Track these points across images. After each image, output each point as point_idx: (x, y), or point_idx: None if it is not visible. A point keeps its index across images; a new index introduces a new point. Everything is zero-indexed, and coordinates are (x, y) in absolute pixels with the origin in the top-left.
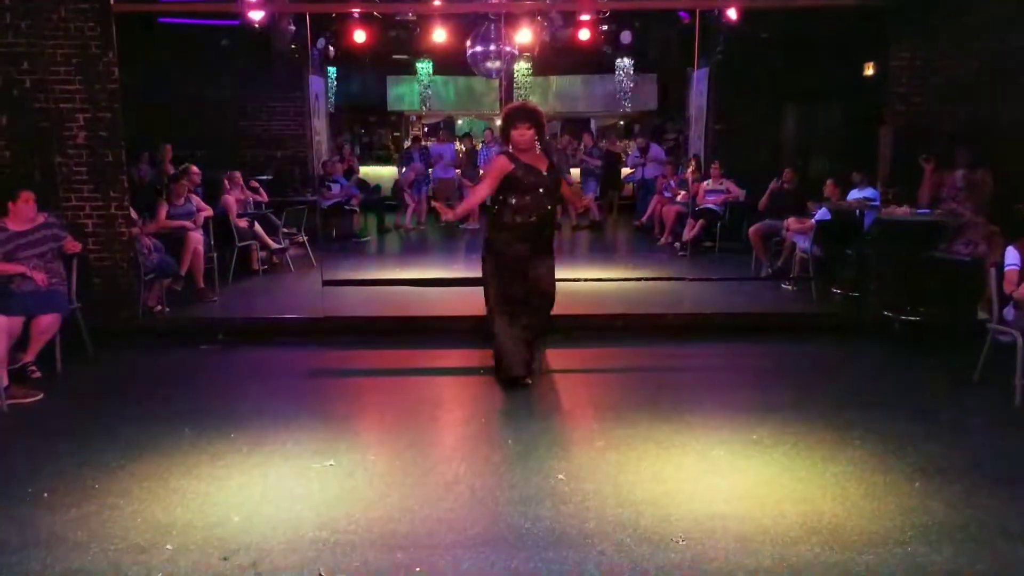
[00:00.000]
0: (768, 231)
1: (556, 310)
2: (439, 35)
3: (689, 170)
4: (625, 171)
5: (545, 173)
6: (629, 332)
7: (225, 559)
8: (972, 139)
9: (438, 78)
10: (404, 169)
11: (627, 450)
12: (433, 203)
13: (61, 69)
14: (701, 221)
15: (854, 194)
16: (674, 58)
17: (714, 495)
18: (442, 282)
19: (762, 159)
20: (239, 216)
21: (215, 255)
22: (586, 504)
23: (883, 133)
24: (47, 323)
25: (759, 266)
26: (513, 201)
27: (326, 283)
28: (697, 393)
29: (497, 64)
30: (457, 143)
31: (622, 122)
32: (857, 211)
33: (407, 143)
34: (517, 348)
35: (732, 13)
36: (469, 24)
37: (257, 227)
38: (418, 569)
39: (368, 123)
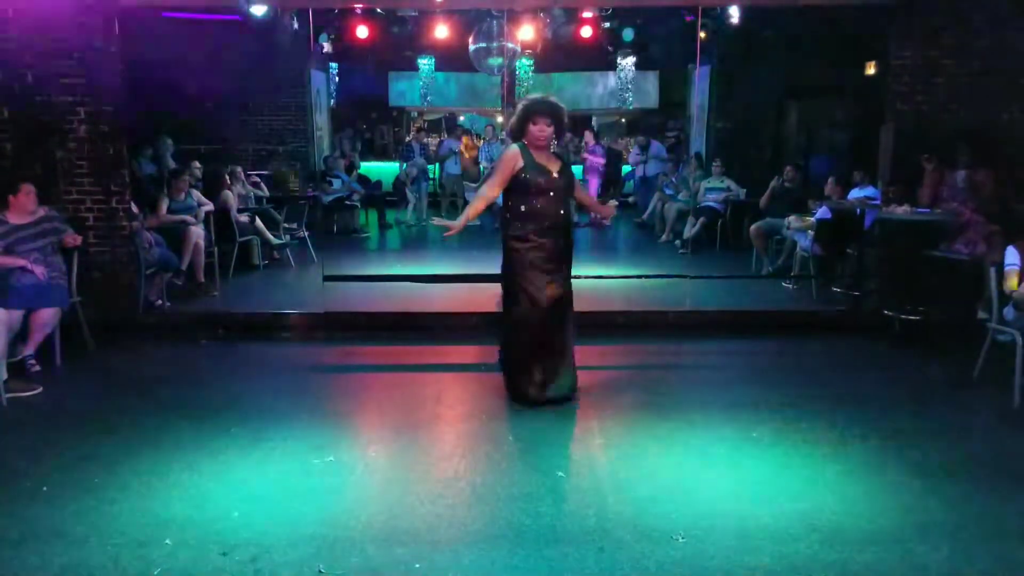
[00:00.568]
0: (769, 229)
1: None
2: (441, 31)
3: (690, 168)
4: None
5: (556, 176)
6: (630, 329)
7: (224, 554)
8: (973, 139)
9: (440, 74)
10: (405, 164)
11: (627, 447)
12: (434, 221)
13: (63, 63)
14: (702, 219)
15: (855, 193)
16: (676, 56)
17: (714, 492)
18: (443, 278)
19: (763, 157)
20: (240, 211)
21: (216, 250)
22: (586, 501)
23: (884, 132)
24: (47, 317)
25: (760, 264)
26: (523, 208)
27: (327, 279)
28: (697, 391)
29: (499, 61)
30: (456, 139)
31: (623, 119)
32: (858, 210)
33: (409, 137)
34: (525, 368)
35: (734, 11)
36: (471, 21)
37: (258, 222)
38: (418, 565)
39: (370, 119)
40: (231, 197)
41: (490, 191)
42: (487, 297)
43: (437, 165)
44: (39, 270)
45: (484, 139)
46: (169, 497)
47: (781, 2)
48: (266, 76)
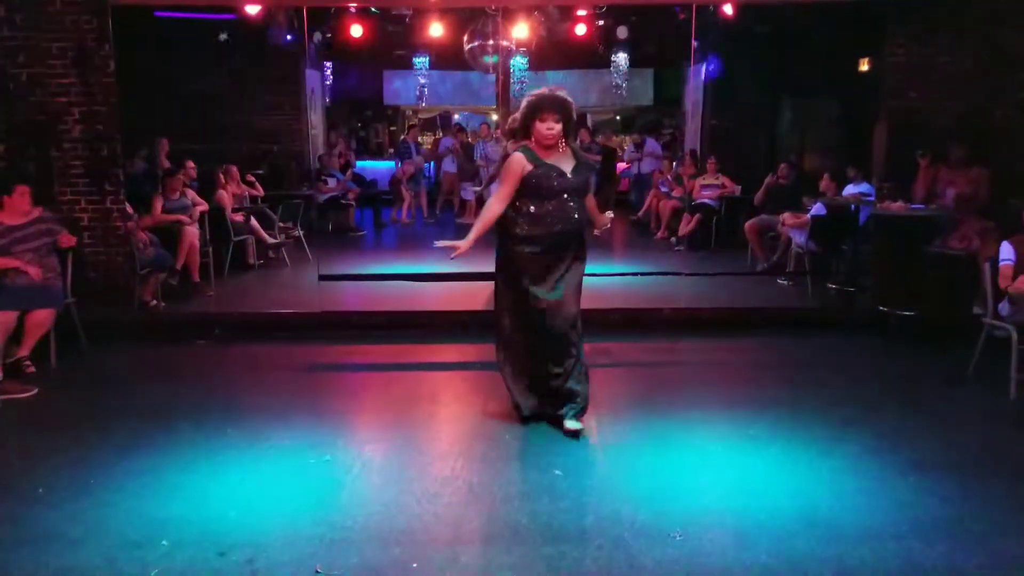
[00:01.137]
0: (764, 226)
1: None
2: (436, 30)
3: (685, 165)
4: (621, 165)
5: (570, 175)
6: (625, 327)
7: (221, 555)
8: (967, 135)
9: (435, 73)
10: (401, 163)
11: (624, 445)
12: (437, 244)
13: (57, 63)
14: (697, 216)
15: (849, 189)
16: (670, 53)
17: (711, 490)
18: (438, 277)
19: (758, 154)
20: (235, 211)
21: (211, 249)
22: (583, 499)
23: (878, 129)
24: (41, 318)
25: (755, 261)
26: (532, 208)
27: (322, 278)
28: (693, 388)
29: (494, 59)
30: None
31: (618, 117)
32: (852, 206)
33: (405, 135)
34: (521, 385)
35: (728, 8)
36: (466, 19)
37: (253, 221)
38: (415, 565)
39: (364, 117)
40: (226, 196)
41: (497, 205)
42: (482, 295)
43: (433, 163)
44: (34, 271)
45: (480, 137)
46: (165, 498)
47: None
48: (260, 75)
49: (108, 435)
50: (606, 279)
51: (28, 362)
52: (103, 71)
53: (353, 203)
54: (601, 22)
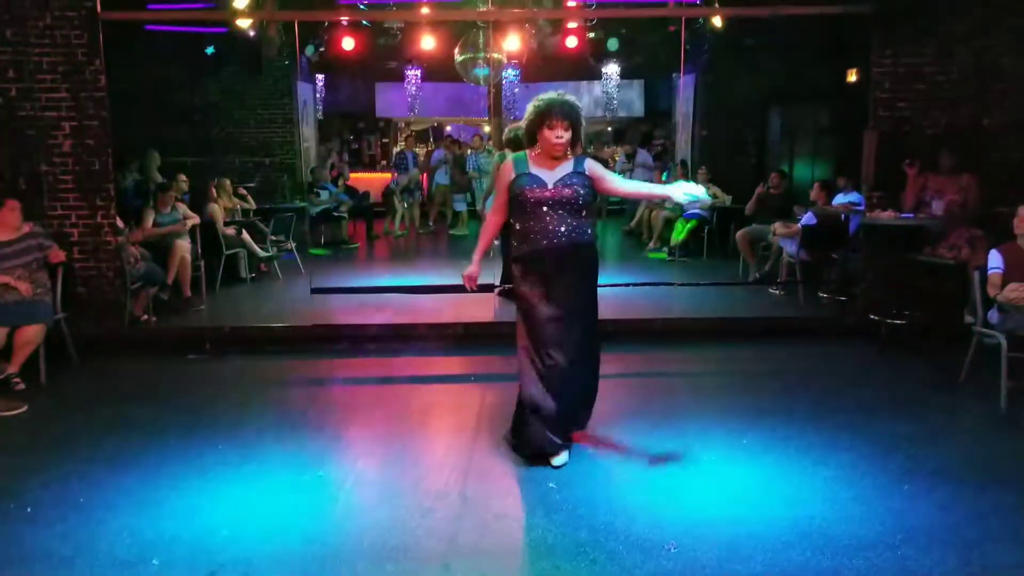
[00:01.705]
0: (755, 236)
1: None
2: (428, 42)
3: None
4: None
5: (552, 187)
6: (618, 337)
7: (213, 573)
8: (955, 144)
9: (427, 85)
10: (398, 174)
11: (617, 457)
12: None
13: (47, 77)
14: (690, 223)
15: (839, 199)
16: (661, 64)
17: (705, 501)
18: (431, 289)
19: (748, 164)
20: (226, 224)
21: (202, 263)
22: (578, 512)
23: (867, 138)
24: (31, 334)
25: (747, 271)
26: (517, 225)
27: (315, 291)
28: (686, 398)
29: (485, 72)
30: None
31: (610, 128)
32: (843, 216)
33: (401, 146)
34: (536, 419)
35: (717, 20)
36: (457, 32)
37: (245, 235)
38: None
39: (357, 130)
40: (217, 210)
41: (493, 217)
42: (474, 307)
43: (424, 175)
44: (23, 287)
45: (471, 149)
46: (156, 515)
47: (762, 12)
48: (252, 88)
49: (98, 452)
50: (599, 290)
51: (18, 379)
52: (94, 85)
53: (345, 216)
54: (592, 35)
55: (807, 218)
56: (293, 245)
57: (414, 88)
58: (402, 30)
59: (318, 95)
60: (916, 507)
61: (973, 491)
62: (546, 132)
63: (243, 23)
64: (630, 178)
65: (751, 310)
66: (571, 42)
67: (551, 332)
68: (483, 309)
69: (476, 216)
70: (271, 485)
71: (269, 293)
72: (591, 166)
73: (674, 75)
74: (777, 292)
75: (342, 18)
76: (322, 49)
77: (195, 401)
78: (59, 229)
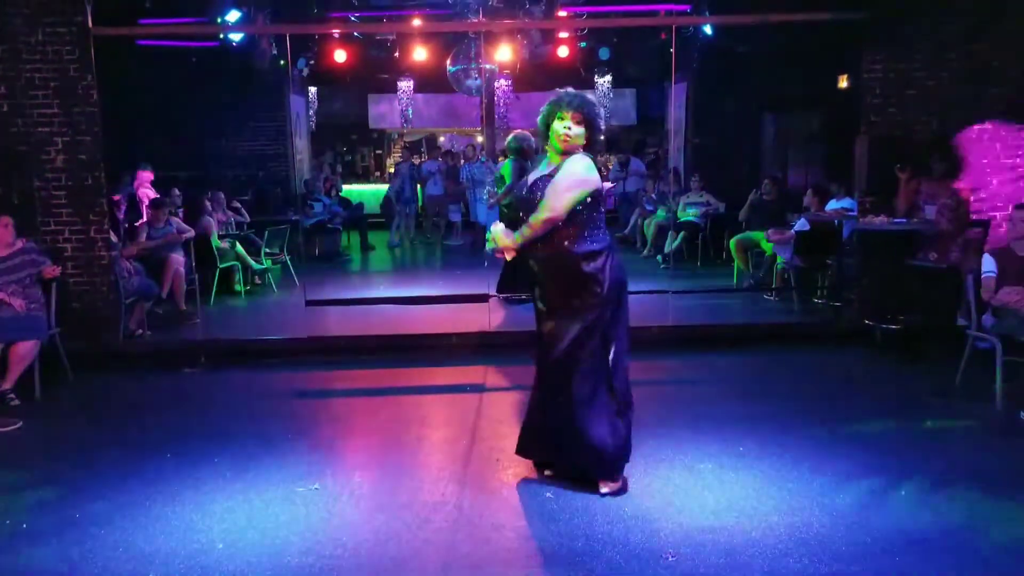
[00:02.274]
0: (749, 242)
1: None
2: (420, 54)
3: (668, 183)
4: (606, 184)
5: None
6: None
7: None
8: (946, 149)
9: (419, 96)
10: (399, 182)
11: None
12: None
13: (39, 93)
14: (683, 233)
15: (832, 204)
16: (652, 72)
17: (702, 509)
18: (426, 299)
19: (741, 171)
20: (220, 237)
21: (196, 277)
22: (575, 522)
23: (859, 144)
24: (25, 350)
25: (741, 277)
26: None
27: (309, 303)
28: (682, 406)
29: (477, 82)
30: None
31: (603, 137)
32: (836, 221)
33: (398, 157)
34: (531, 429)
35: (707, 28)
36: (449, 43)
37: (239, 247)
38: None
39: (350, 141)
40: (211, 223)
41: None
42: (470, 317)
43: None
44: (17, 303)
45: (464, 159)
46: (152, 530)
47: (753, 20)
48: (245, 101)
49: (93, 467)
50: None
51: (12, 395)
52: (86, 100)
53: (339, 227)
54: (583, 44)
55: (800, 224)
56: (287, 257)
57: (407, 99)
58: (394, 42)
59: (311, 107)
60: (913, 512)
61: (970, 496)
62: (555, 124)
63: (235, 37)
64: (624, 186)
65: (745, 316)
66: (562, 52)
67: (543, 342)
68: (478, 320)
69: (471, 226)
70: (267, 498)
71: (264, 306)
72: (564, 167)
73: (666, 84)
74: (771, 298)
75: (334, 31)
76: (312, 62)
77: (190, 415)
78: (52, 244)
